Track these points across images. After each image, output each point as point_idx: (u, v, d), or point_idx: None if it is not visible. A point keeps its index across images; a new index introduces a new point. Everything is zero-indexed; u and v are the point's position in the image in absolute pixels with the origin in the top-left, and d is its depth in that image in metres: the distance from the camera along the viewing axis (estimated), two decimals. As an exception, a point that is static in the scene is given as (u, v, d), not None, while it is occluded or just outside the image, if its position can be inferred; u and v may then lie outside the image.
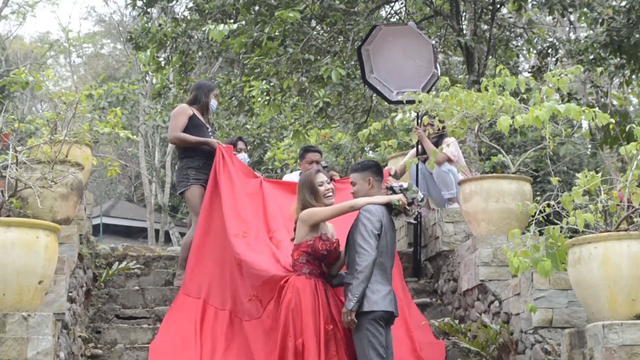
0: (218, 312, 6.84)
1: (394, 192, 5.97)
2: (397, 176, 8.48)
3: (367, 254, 5.65)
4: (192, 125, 7.91)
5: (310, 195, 5.99)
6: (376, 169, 6.09)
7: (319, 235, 5.93)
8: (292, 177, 8.63)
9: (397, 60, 8.86)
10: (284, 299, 5.87)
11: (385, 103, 11.87)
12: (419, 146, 8.69)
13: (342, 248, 6.05)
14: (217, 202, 7.26)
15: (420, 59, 8.69)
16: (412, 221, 6.29)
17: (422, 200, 5.99)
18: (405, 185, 5.97)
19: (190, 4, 13.73)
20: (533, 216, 5.87)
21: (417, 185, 8.46)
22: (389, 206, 5.93)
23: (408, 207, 5.93)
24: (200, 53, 13.21)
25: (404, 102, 7.66)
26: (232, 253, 6.81)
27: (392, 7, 13.89)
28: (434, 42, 9.06)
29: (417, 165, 8.47)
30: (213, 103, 8.18)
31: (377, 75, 8.91)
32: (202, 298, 6.96)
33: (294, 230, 6.08)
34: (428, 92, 8.04)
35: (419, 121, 8.96)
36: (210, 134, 8.02)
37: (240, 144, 8.51)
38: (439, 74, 8.72)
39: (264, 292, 6.31)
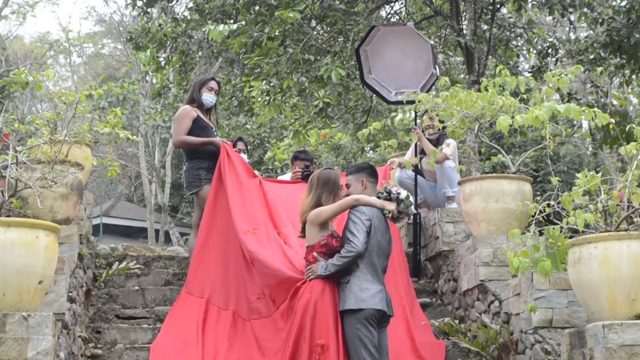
0: (221, 312, 6.82)
1: (389, 196, 6.01)
2: (401, 167, 8.48)
3: (354, 247, 5.72)
4: (198, 128, 7.82)
5: (329, 196, 5.98)
6: (370, 170, 6.15)
7: (330, 233, 5.94)
8: (285, 178, 8.62)
9: (395, 61, 8.85)
10: (300, 300, 5.83)
11: (385, 103, 11.87)
12: (417, 146, 8.68)
13: None
14: (221, 201, 7.25)
15: (419, 59, 8.68)
16: (399, 224, 6.45)
17: (410, 215, 6.12)
18: (402, 195, 6.01)
19: (190, 4, 13.74)
20: (533, 216, 5.87)
21: (415, 185, 8.45)
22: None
23: (397, 215, 6.02)
24: (200, 53, 13.21)
25: (404, 102, 7.67)
26: (236, 251, 6.80)
27: (392, 7, 13.91)
28: (432, 42, 9.02)
29: (417, 166, 8.46)
30: (205, 97, 7.95)
31: (375, 76, 8.90)
32: (205, 297, 6.93)
33: (302, 228, 6.07)
34: (427, 92, 8.04)
35: (417, 121, 8.96)
36: (215, 133, 7.98)
37: (240, 145, 8.41)
38: (438, 74, 8.70)
39: (278, 292, 6.29)
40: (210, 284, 7.00)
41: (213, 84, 8.06)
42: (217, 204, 7.29)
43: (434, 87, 8.76)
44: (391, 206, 5.96)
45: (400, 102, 8.49)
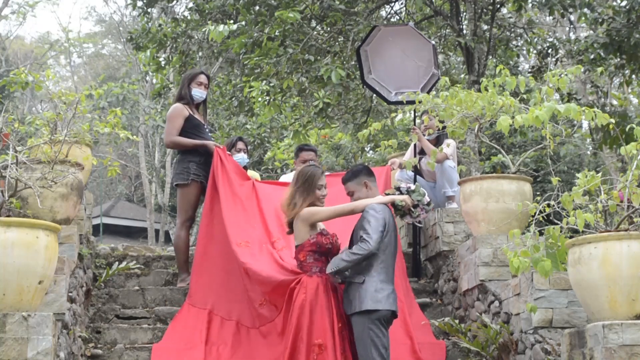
0: (224, 322, 6.82)
1: (400, 191, 5.97)
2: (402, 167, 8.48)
3: (368, 246, 5.66)
4: (191, 127, 7.82)
5: (305, 193, 5.94)
6: (366, 170, 6.12)
7: (319, 231, 5.93)
8: (288, 178, 8.60)
9: (396, 61, 8.82)
10: (296, 300, 5.82)
11: (385, 103, 11.86)
12: (415, 146, 8.67)
13: (342, 246, 6.04)
14: (218, 209, 7.22)
15: (419, 59, 8.66)
16: (417, 224, 6.29)
17: (428, 204, 5.99)
18: (412, 187, 5.99)
19: (190, 4, 13.75)
20: (533, 216, 5.87)
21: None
22: (393, 206, 5.95)
23: (413, 209, 5.93)
24: (200, 53, 13.21)
25: (404, 102, 7.65)
26: (237, 260, 6.78)
27: (392, 7, 13.91)
28: (434, 42, 8.98)
29: (416, 166, 8.46)
30: (195, 92, 7.90)
31: (375, 76, 8.87)
32: (208, 309, 6.93)
33: (288, 224, 6.04)
34: (428, 92, 8.03)
35: (415, 121, 8.94)
36: (207, 130, 7.98)
37: (240, 144, 8.41)
38: (440, 74, 8.68)
39: (276, 296, 6.28)
40: (213, 294, 6.99)
41: (202, 78, 7.97)
42: (213, 213, 7.28)
43: (435, 87, 8.75)
44: (402, 197, 5.90)
45: (400, 102, 8.47)
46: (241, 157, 8.09)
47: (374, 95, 11.88)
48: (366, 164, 14.07)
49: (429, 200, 6.00)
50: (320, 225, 6.01)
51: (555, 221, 5.93)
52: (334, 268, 5.74)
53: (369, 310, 5.64)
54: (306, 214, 5.89)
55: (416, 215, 5.99)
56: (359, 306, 5.68)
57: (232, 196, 7.25)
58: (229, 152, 8.00)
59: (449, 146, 8.52)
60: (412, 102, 7.53)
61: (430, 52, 8.63)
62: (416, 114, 8.85)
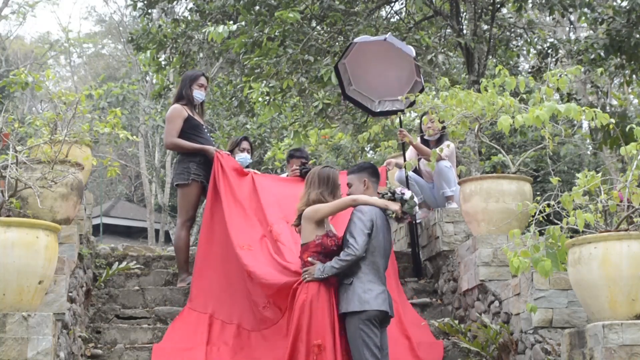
0: (225, 325, 6.82)
1: (394, 196, 6.00)
2: (399, 167, 8.47)
3: (354, 251, 5.72)
4: (190, 127, 7.84)
5: (329, 195, 5.97)
6: (372, 170, 6.14)
7: (326, 232, 5.93)
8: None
9: (377, 72, 8.59)
10: (297, 302, 5.83)
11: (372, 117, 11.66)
12: (404, 145, 8.64)
13: None
14: (219, 213, 7.24)
15: (401, 69, 8.47)
16: (402, 224, 6.41)
17: (414, 215, 6.10)
18: (407, 195, 6.00)
19: (191, 5, 13.75)
20: (533, 216, 5.87)
21: (407, 184, 8.42)
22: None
23: (401, 215, 6.01)
24: (200, 54, 13.22)
25: (401, 109, 7.59)
26: (238, 264, 6.79)
27: (392, 7, 13.90)
28: (414, 54, 8.60)
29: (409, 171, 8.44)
30: (197, 93, 7.98)
31: (357, 87, 8.68)
32: (208, 313, 6.94)
33: (297, 217, 6.04)
34: (413, 103, 7.96)
35: (402, 124, 8.88)
36: (205, 130, 8.00)
37: (244, 144, 8.40)
38: (423, 83, 8.51)
39: (279, 299, 6.30)
40: (213, 299, 6.99)
41: (203, 80, 8.08)
42: (214, 218, 7.29)
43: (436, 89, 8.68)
44: (395, 206, 5.94)
45: (385, 114, 8.38)
46: (244, 157, 8.09)
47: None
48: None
49: (417, 211, 6.09)
50: (327, 227, 6.01)
51: (555, 221, 5.93)
52: (322, 275, 5.77)
53: (357, 311, 5.68)
54: (310, 212, 5.90)
55: (403, 221, 6.18)
56: (345, 307, 5.74)
57: (234, 200, 7.26)
58: (231, 151, 8.03)
59: (449, 147, 8.52)
60: (394, 113, 7.41)
61: (411, 62, 8.45)
62: (401, 119, 8.74)
